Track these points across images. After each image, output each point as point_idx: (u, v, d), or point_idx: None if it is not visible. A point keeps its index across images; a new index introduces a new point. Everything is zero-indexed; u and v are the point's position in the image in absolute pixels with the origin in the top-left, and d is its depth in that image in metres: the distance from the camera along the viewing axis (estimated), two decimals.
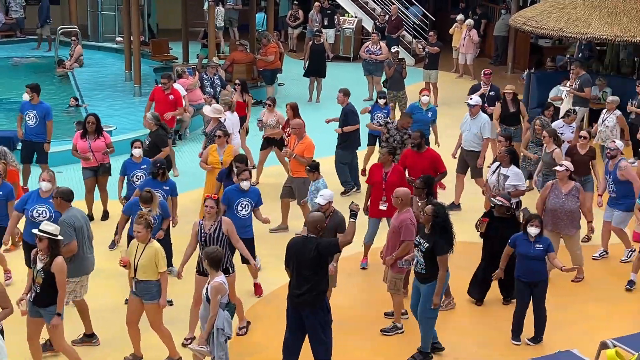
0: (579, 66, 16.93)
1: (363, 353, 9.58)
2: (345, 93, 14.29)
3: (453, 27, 23.53)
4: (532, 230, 9.55)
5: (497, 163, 11.84)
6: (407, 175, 11.67)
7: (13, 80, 20.52)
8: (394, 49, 18.59)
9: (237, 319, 9.42)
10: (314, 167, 11.40)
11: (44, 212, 9.68)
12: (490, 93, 15.80)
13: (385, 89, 17.81)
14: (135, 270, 8.71)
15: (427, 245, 9.03)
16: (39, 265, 8.37)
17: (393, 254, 9.68)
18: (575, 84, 16.59)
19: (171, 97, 15.18)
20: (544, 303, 9.71)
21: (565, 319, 10.40)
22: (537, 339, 9.78)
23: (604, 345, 8.55)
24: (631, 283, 11.09)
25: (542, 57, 22.61)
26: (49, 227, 8.35)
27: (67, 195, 9.29)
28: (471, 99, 13.74)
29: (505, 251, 9.83)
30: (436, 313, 9.20)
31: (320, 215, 8.82)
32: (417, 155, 11.99)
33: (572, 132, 13.87)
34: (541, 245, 9.61)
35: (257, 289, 10.76)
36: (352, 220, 8.61)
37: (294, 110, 13.49)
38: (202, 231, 9.35)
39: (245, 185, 10.43)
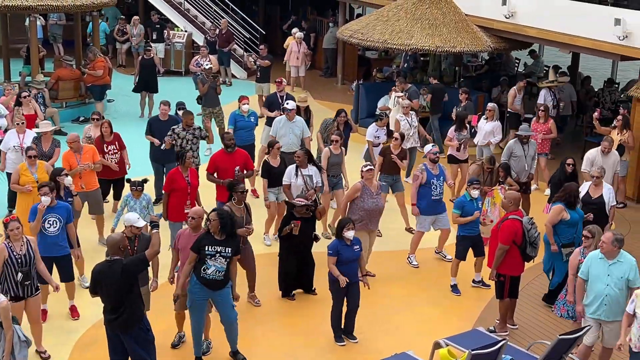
0: (403, 81, 17.53)
1: None
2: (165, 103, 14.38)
3: (287, 40, 23.71)
4: (349, 234, 9.78)
5: (295, 165, 12.00)
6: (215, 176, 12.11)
7: None
8: (207, 64, 18.07)
9: None
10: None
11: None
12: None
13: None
14: None
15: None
16: None
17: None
18: (404, 95, 17.15)
19: None
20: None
21: (401, 322, 10.69)
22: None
23: (437, 345, 8.88)
24: (455, 288, 11.57)
25: (370, 69, 23.27)
26: None
27: None
28: (288, 103, 14.08)
29: (330, 261, 9.79)
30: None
31: (120, 235, 8.70)
32: (229, 156, 12.21)
33: (385, 135, 14.55)
34: (358, 247, 9.90)
35: (74, 312, 10.45)
36: (155, 231, 8.69)
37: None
38: (14, 253, 8.95)
39: (44, 201, 9.95)
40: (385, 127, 14.66)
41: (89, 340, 9.84)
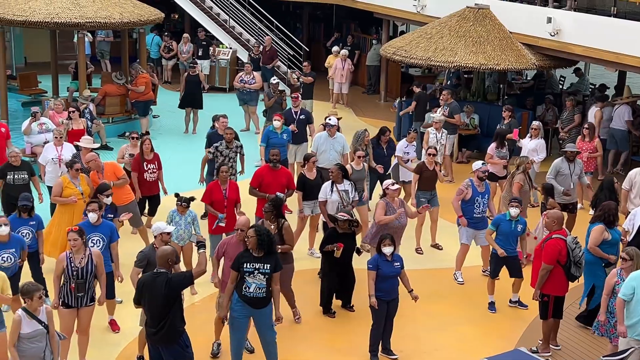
0: (449, 93, 17.50)
1: None
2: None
3: (329, 59, 23.80)
4: (388, 250, 9.72)
5: (330, 181, 12.02)
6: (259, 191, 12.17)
7: None
8: (274, 80, 18.61)
9: None
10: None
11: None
12: (301, 117, 16.05)
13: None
14: None
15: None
16: None
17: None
18: (445, 111, 17.12)
19: (2, 129, 14.35)
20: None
21: (440, 341, 10.60)
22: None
23: None
24: (492, 305, 11.47)
25: (414, 85, 23.15)
26: None
27: None
28: (330, 119, 14.09)
29: (369, 276, 9.77)
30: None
31: (171, 249, 8.70)
32: (273, 172, 12.27)
33: (414, 151, 14.57)
34: (399, 263, 9.83)
35: (114, 325, 10.56)
36: (201, 251, 8.71)
37: None
38: (72, 264, 9.08)
39: (91, 217, 10.10)
40: (415, 143, 14.61)
41: (131, 353, 9.91)
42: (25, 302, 8.15)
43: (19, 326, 8.01)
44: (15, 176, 12.28)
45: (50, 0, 18.04)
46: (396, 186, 11.56)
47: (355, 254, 11.14)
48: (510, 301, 11.54)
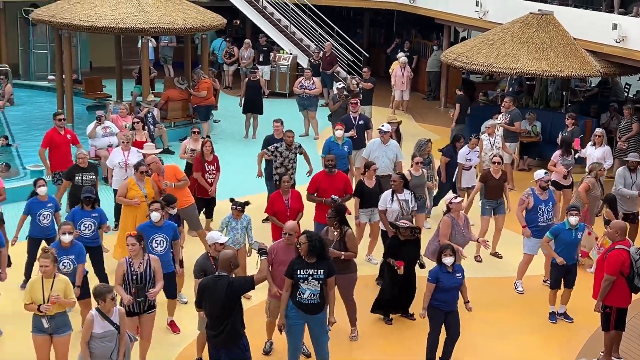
0: (511, 101, 17.33)
1: None
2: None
3: (393, 65, 23.74)
4: (448, 260, 9.61)
5: (391, 190, 11.95)
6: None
7: None
8: (340, 84, 18.68)
9: None
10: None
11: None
12: (360, 122, 16.03)
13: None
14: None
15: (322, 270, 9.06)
16: None
17: None
18: (506, 118, 16.94)
19: (68, 136, 14.56)
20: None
21: (500, 350, 10.51)
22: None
23: None
24: (552, 316, 11.30)
25: (474, 92, 23.04)
26: None
27: None
28: (383, 125, 14.06)
29: (428, 288, 9.68)
30: None
31: (232, 252, 8.78)
32: (330, 177, 12.32)
33: (477, 157, 14.37)
34: (460, 275, 9.73)
35: (174, 327, 10.70)
36: (263, 258, 8.83)
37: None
38: (132, 269, 9.23)
39: (154, 217, 10.24)
40: (477, 150, 14.47)
41: (190, 354, 10.03)
42: (98, 304, 8.35)
43: (92, 325, 8.21)
44: (83, 177, 12.58)
45: (115, 6, 18.44)
46: (459, 199, 11.47)
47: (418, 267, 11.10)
48: (558, 313, 11.33)
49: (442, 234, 11.19)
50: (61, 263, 9.67)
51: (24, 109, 21.69)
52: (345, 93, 18.42)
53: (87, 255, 10.49)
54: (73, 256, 9.89)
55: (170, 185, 12.25)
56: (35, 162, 15.28)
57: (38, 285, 8.66)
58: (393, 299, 11.04)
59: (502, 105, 17.39)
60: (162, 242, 10.24)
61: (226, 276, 8.48)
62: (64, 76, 19.54)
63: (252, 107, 20.15)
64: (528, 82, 21.56)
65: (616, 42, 17.13)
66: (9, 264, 10.97)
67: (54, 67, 22.05)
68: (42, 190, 11.36)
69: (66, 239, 9.78)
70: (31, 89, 24.03)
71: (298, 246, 9.14)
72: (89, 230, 10.82)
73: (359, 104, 16.62)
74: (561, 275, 11.06)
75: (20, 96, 22.47)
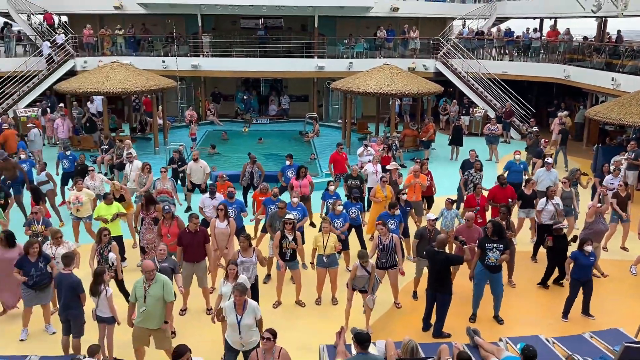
0: (636, 143, 16.08)
1: None
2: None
3: (554, 121, 22.65)
4: (588, 248, 9.30)
5: (546, 197, 11.53)
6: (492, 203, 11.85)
7: (275, 140, 21.73)
8: (534, 128, 18.25)
9: None
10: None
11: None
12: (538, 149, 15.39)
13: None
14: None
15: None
16: None
17: None
18: (631, 155, 15.77)
19: (344, 155, 14.20)
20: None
21: (612, 307, 9.97)
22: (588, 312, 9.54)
23: None
24: None
25: (607, 137, 21.44)
26: None
27: None
28: (548, 158, 13.61)
29: (567, 262, 9.45)
30: None
31: (444, 236, 8.67)
32: (502, 190, 12.09)
33: (618, 183, 13.30)
34: (593, 258, 9.37)
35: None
36: (464, 246, 8.87)
37: None
38: (381, 242, 9.04)
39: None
40: (619, 176, 13.45)
41: (408, 289, 10.26)
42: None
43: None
44: (352, 183, 12.34)
45: (377, 80, 19.28)
46: (599, 205, 11.14)
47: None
48: None
49: (588, 214, 10.82)
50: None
51: (323, 138, 22.77)
52: (536, 132, 17.98)
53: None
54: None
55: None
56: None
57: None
58: (553, 269, 10.47)
59: (628, 147, 16.14)
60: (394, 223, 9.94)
61: (443, 252, 8.39)
62: (346, 120, 20.87)
63: (456, 141, 20.32)
64: None
65: None
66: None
67: (341, 115, 23.59)
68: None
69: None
70: (329, 127, 25.16)
71: (486, 229, 9.06)
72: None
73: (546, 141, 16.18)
74: None
75: (323, 131, 23.79)
